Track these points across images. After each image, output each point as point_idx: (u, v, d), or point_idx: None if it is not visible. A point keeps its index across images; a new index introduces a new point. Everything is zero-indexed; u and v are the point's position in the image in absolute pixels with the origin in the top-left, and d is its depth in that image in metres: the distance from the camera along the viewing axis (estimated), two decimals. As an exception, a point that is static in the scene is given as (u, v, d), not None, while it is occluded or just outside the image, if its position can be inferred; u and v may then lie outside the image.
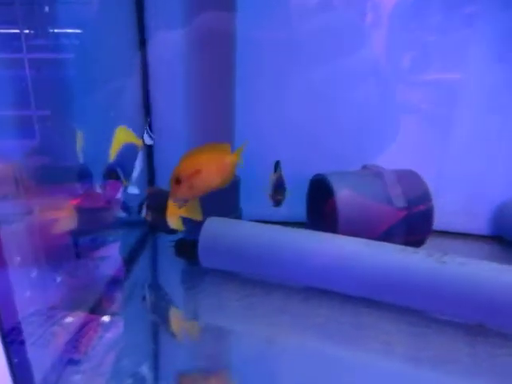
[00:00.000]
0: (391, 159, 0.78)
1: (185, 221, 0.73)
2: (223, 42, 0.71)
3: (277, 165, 0.69)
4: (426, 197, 0.69)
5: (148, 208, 0.57)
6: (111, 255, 0.65)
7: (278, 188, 0.70)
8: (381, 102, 0.82)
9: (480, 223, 0.87)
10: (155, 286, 0.64)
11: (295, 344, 0.50)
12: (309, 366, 0.46)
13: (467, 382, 0.45)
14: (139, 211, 0.58)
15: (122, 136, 0.56)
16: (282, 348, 0.50)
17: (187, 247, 0.73)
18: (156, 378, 0.44)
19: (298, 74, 0.80)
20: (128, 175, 0.57)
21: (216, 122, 0.74)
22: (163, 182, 0.79)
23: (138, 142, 0.58)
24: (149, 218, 0.57)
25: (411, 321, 0.53)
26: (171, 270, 0.69)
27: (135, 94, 0.80)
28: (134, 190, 0.58)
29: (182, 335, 0.52)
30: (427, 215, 0.69)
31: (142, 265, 0.70)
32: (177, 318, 0.56)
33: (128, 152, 0.56)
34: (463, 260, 0.53)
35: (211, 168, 0.54)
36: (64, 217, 0.58)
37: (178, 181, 0.52)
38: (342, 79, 0.80)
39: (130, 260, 0.70)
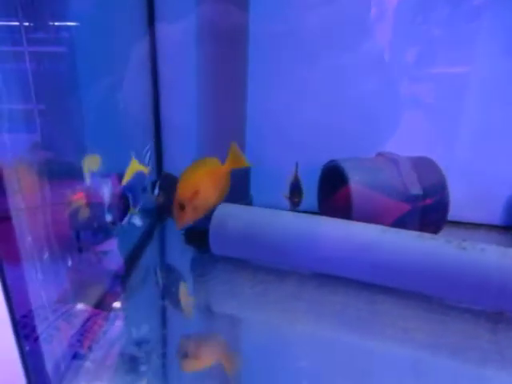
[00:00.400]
0: (401, 152, 0.77)
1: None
2: (236, 35, 0.69)
3: (295, 167, 0.69)
4: (441, 184, 0.68)
5: (160, 188, 0.57)
6: (114, 249, 0.64)
7: (295, 190, 0.69)
8: (390, 96, 0.81)
9: (492, 213, 0.86)
10: (167, 271, 0.63)
11: (310, 331, 0.49)
12: (325, 354, 0.45)
13: (488, 369, 0.44)
14: (152, 190, 0.57)
15: (135, 166, 0.58)
16: (297, 335, 0.48)
17: (197, 235, 0.72)
18: (164, 365, 0.43)
19: (311, 65, 0.79)
20: (136, 202, 0.59)
21: (227, 115, 0.72)
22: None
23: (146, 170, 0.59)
24: (160, 200, 0.56)
25: (430, 308, 0.52)
26: (181, 258, 0.68)
27: (145, 91, 0.79)
28: (137, 221, 0.60)
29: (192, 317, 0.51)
30: (443, 203, 0.68)
31: (152, 253, 0.69)
32: (188, 301, 0.55)
33: (138, 181, 0.57)
34: (483, 246, 0.52)
35: (208, 185, 0.55)
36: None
37: (182, 206, 0.53)
38: (351, 73, 0.79)
39: (138, 249, 0.69)
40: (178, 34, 0.76)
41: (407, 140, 0.80)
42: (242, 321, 0.51)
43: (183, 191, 0.53)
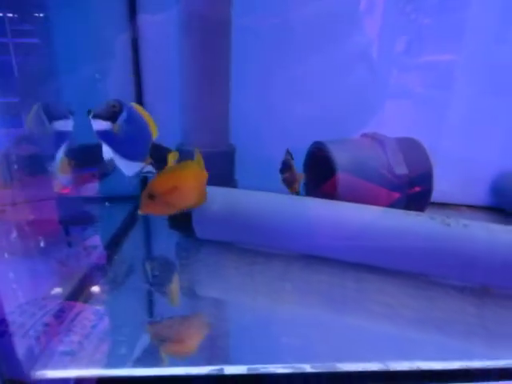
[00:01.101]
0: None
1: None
2: (219, 25, 0.68)
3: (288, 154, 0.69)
4: (426, 163, 0.68)
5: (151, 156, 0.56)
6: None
7: (282, 168, 0.68)
8: (379, 85, 0.82)
9: (477, 195, 0.87)
10: (152, 258, 0.62)
11: (296, 310, 0.49)
12: (311, 331, 0.45)
13: (473, 343, 0.44)
14: None
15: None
16: (283, 314, 0.48)
17: (181, 219, 0.70)
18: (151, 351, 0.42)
19: (298, 54, 0.78)
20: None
21: (211, 103, 0.70)
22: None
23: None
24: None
25: (416, 284, 0.52)
26: (166, 243, 0.66)
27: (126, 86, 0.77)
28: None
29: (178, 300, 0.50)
30: (427, 182, 0.68)
31: (135, 239, 0.68)
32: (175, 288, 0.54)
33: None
34: (467, 222, 0.52)
35: (189, 186, 0.54)
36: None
37: (150, 196, 0.51)
38: (339, 63, 0.79)
39: (122, 234, 0.67)
40: (160, 25, 0.74)
41: (395, 127, 0.80)
42: (227, 302, 0.50)
43: (159, 183, 0.52)
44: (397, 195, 0.67)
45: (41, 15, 0.72)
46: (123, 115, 0.52)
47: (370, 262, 0.55)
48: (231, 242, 0.62)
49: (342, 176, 0.65)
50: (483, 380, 0.39)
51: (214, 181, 0.68)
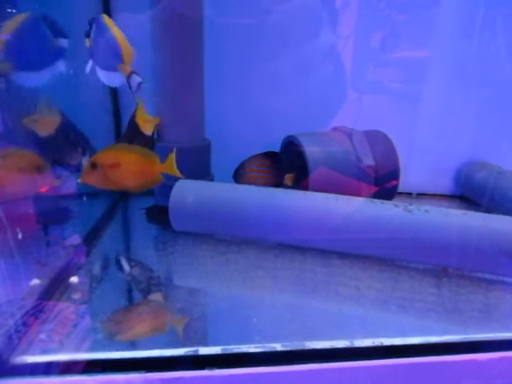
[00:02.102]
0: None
1: (158, 186, 0.72)
2: (191, 24, 0.69)
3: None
4: (392, 154, 0.71)
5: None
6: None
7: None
8: (351, 81, 0.84)
9: (443, 184, 0.91)
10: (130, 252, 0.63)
11: (269, 294, 0.51)
12: (282, 314, 0.47)
13: (431, 319, 0.47)
14: None
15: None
16: (257, 299, 0.50)
17: (159, 213, 0.72)
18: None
19: (273, 50, 0.80)
20: None
21: (185, 98, 0.72)
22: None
23: None
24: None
25: (381, 268, 0.55)
26: (144, 237, 0.68)
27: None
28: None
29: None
30: (394, 172, 0.71)
31: (113, 233, 0.69)
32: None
33: None
34: (427, 208, 0.56)
35: (132, 168, 0.55)
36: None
37: (93, 165, 0.53)
38: (314, 58, 0.81)
39: (100, 229, 0.69)
40: (133, 21, 0.75)
41: (368, 120, 0.82)
42: (202, 289, 0.52)
43: (105, 156, 0.53)
44: (374, 189, 0.70)
45: (13, 11, 0.71)
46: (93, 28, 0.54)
47: (339, 248, 0.58)
48: (208, 233, 0.64)
49: (314, 169, 0.68)
50: (440, 353, 0.42)
51: (190, 175, 0.70)
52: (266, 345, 0.41)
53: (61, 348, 0.40)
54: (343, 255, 0.58)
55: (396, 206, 0.56)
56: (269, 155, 0.74)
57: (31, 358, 0.38)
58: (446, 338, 0.43)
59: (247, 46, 0.80)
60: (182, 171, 0.70)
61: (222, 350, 0.40)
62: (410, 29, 0.81)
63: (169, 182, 0.66)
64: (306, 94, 0.83)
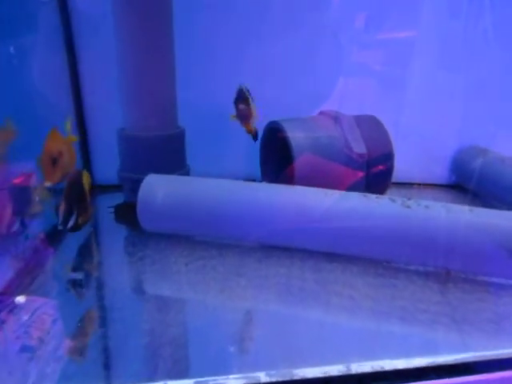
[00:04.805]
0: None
1: (126, 180, 0.64)
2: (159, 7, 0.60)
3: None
4: (385, 141, 0.65)
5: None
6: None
7: (237, 99, 0.59)
8: (337, 64, 0.77)
9: (437, 173, 0.86)
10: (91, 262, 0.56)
11: (252, 308, 0.45)
12: (267, 332, 0.41)
13: (438, 332, 0.41)
14: None
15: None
16: (237, 314, 0.44)
17: (128, 211, 0.64)
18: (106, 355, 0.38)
19: (253, 36, 0.74)
20: None
21: (154, 88, 0.63)
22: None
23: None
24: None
25: (377, 273, 0.49)
26: (112, 238, 0.61)
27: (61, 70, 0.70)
28: None
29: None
30: (387, 161, 0.65)
31: (80, 233, 0.61)
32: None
33: None
34: (428, 203, 0.49)
35: (67, 150, 0.52)
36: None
37: (55, 161, 0.49)
38: (298, 42, 0.75)
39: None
40: (96, 7, 0.67)
41: (355, 105, 0.76)
42: (174, 304, 0.45)
43: (55, 146, 0.49)
44: (360, 174, 0.64)
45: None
46: None
47: (330, 248, 0.52)
48: (183, 234, 0.57)
49: (299, 156, 0.61)
50: (451, 375, 0.36)
51: (163, 167, 0.62)
52: (247, 375, 0.35)
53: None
54: (334, 257, 0.51)
55: (393, 201, 0.50)
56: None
57: None
58: (456, 358, 0.38)
59: (223, 24, 0.72)
60: (151, 163, 0.63)
61: (196, 383, 0.34)
62: (395, 9, 0.75)
63: (140, 176, 0.58)
64: (288, 79, 0.77)
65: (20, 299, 0.43)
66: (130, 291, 0.47)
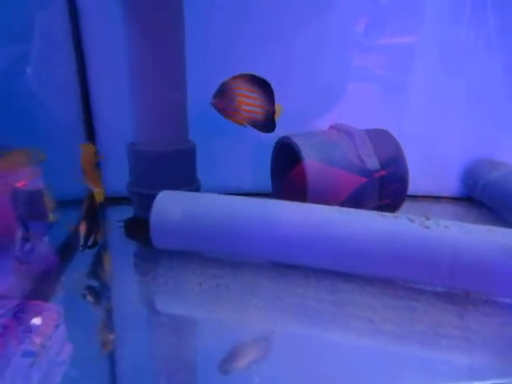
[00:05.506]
0: (353, 124, 0.72)
1: (137, 195, 0.64)
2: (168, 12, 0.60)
3: None
4: (399, 157, 0.64)
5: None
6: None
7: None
8: (337, 69, 0.77)
9: (448, 185, 0.85)
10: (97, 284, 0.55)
11: (269, 331, 0.44)
12: (285, 358, 0.40)
13: (459, 359, 0.40)
14: None
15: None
16: (254, 336, 0.43)
17: (139, 227, 0.63)
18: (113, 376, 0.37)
19: (258, 42, 0.73)
20: None
21: (165, 98, 0.62)
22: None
23: None
24: None
25: (395, 294, 0.48)
26: (122, 254, 0.60)
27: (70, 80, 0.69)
28: None
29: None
30: (401, 177, 0.64)
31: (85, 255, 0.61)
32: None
33: None
34: (447, 223, 0.49)
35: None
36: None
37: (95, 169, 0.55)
38: (299, 47, 0.74)
39: (72, 243, 0.60)
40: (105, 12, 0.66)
41: (358, 112, 0.75)
42: (188, 326, 0.44)
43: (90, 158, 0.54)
44: (366, 179, 0.63)
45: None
46: None
47: (346, 268, 0.51)
48: (194, 251, 0.56)
49: (308, 162, 0.60)
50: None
51: (173, 183, 0.62)
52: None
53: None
54: (351, 277, 0.50)
55: (411, 220, 0.49)
56: (254, 80, 0.57)
57: None
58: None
59: (236, 36, 0.72)
60: (161, 178, 0.62)
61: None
62: (397, 13, 0.75)
63: (149, 191, 0.58)
64: (294, 88, 0.75)
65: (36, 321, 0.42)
66: (144, 312, 0.46)
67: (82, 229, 0.49)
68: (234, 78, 0.56)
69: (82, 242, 0.50)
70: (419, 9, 0.74)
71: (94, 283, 0.53)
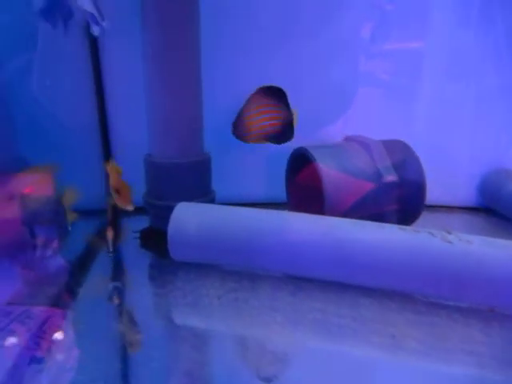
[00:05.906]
0: (364, 134, 0.71)
1: (151, 206, 0.64)
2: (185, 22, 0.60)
3: None
4: (417, 168, 0.64)
5: None
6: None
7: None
8: (346, 76, 0.77)
9: (463, 195, 0.84)
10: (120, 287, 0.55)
11: (290, 346, 0.43)
12: (309, 368, 0.40)
13: (488, 377, 0.40)
14: None
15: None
16: (276, 353, 0.42)
17: (155, 238, 0.63)
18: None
19: (267, 52, 0.73)
20: None
21: (181, 107, 0.62)
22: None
23: None
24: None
25: (416, 309, 0.48)
26: (137, 266, 0.60)
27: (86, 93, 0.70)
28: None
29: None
30: (420, 188, 0.63)
31: (103, 260, 0.61)
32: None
33: None
34: (469, 238, 0.48)
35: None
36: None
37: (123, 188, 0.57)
38: (305, 54, 0.74)
39: (88, 254, 0.61)
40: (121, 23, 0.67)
41: (368, 119, 0.76)
42: (208, 342, 0.44)
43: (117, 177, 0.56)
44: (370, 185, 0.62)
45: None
46: None
47: (367, 283, 0.51)
48: (211, 263, 0.56)
49: (325, 170, 0.60)
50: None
51: (189, 194, 0.62)
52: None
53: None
54: (371, 292, 0.50)
55: (432, 234, 0.48)
56: (268, 91, 0.62)
57: None
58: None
59: (247, 46, 0.72)
60: (177, 190, 0.62)
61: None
62: (403, 18, 0.74)
63: (165, 202, 0.58)
64: (306, 96, 0.75)
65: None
66: (163, 327, 0.46)
67: (110, 234, 0.52)
68: (248, 101, 0.61)
69: (111, 248, 0.55)
70: (427, 14, 0.74)
71: (112, 293, 0.53)
